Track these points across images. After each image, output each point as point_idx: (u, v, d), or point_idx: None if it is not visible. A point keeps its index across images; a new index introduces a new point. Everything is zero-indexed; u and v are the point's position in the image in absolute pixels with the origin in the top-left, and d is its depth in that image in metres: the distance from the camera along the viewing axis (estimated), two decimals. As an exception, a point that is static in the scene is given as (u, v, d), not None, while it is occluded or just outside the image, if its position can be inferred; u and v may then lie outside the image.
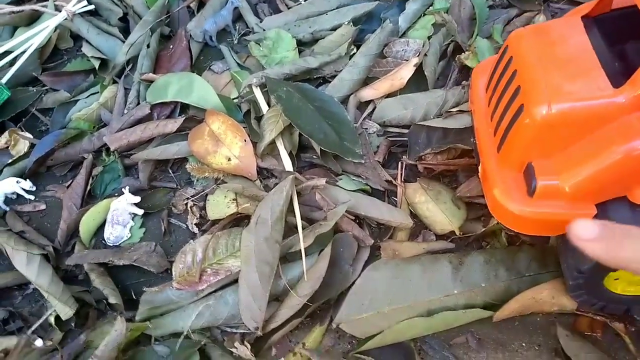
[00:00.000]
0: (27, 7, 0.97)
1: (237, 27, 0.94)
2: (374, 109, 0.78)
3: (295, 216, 0.65)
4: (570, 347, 0.56)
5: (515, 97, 0.48)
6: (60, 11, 0.94)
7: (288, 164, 0.72)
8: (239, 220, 0.71)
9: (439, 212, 0.66)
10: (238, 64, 0.88)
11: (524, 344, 0.59)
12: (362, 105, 0.80)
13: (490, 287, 0.60)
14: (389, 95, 0.79)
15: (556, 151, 0.47)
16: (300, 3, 0.94)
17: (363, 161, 0.71)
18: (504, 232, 0.65)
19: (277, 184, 0.70)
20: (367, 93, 0.79)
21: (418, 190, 0.68)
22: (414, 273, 0.62)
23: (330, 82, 0.81)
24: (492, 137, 0.53)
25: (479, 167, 0.55)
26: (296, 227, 0.64)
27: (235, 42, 0.92)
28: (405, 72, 0.75)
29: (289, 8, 0.94)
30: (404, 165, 0.72)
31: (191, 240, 0.67)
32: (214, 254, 0.66)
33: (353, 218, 0.67)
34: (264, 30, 0.90)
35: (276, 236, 0.63)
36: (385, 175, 0.70)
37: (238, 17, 0.95)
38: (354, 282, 0.62)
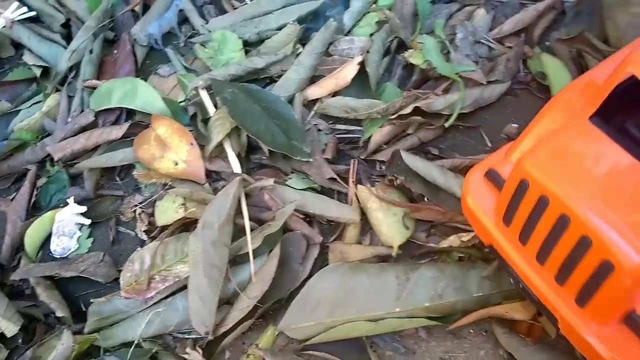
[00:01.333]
0: (-37, 16, 0.93)
1: (183, 30, 0.93)
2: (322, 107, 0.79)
3: (244, 218, 0.65)
4: (510, 343, 0.57)
5: (585, 250, 0.41)
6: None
7: (236, 166, 0.72)
8: (189, 225, 0.70)
9: (385, 224, 0.65)
10: (184, 66, 0.87)
11: (471, 330, 0.60)
12: (310, 104, 0.80)
13: (434, 307, 0.58)
14: (335, 94, 0.79)
15: None
16: (246, 3, 0.93)
17: (311, 160, 0.71)
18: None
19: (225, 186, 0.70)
20: (313, 92, 0.79)
21: (372, 195, 0.67)
22: (358, 286, 0.60)
23: (277, 81, 0.81)
24: (555, 285, 0.46)
25: (558, 324, 0.47)
26: (246, 229, 0.64)
27: (182, 44, 0.91)
28: (349, 71, 0.76)
29: (234, 9, 0.94)
30: (356, 164, 0.72)
31: (139, 248, 0.66)
32: (162, 260, 0.65)
33: (303, 217, 0.67)
34: (210, 31, 0.89)
35: (224, 239, 0.63)
36: (331, 173, 0.71)
37: (184, 19, 0.94)
38: (303, 283, 0.62)
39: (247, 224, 0.64)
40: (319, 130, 0.77)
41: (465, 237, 0.62)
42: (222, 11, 0.94)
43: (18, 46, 0.96)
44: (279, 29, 0.87)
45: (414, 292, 0.59)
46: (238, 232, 0.65)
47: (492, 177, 0.52)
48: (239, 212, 0.66)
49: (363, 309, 0.59)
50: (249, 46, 0.87)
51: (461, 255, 0.63)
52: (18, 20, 0.93)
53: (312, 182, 0.71)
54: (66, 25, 0.95)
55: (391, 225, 0.64)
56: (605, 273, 0.40)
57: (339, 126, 0.77)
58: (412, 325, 0.58)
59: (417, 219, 0.65)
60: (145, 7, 0.96)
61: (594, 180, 0.43)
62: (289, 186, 0.71)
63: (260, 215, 0.68)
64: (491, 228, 0.51)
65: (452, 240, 0.62)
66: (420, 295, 0.58)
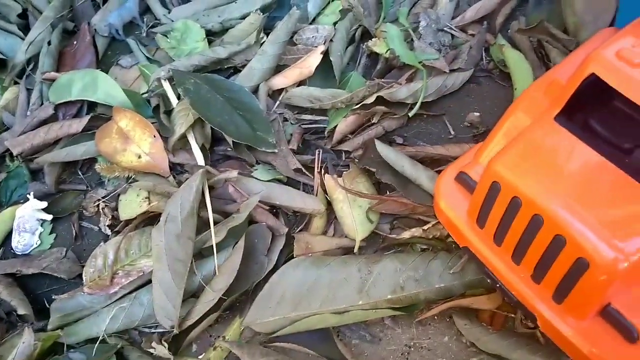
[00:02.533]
0: None
1: (145, 20, 0.91)
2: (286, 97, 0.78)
3: (207, 211, 0.65)
4: (471, 333, 0.58)
5: (560, 249, 0.42)
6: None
7: (200, 158, 0.71)
8: (153, 219, 0.69)
9: (350, 216, 0.65)
10: (147, 57, 0.85)
11: (435, 317, 0.61)
12: (275, 94, 0.80)
13: (396, 299, 0.58)
14: (300, 83, 0.79)
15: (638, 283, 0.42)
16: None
17: (276, 150, 0.71)
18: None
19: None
20: (277, 81, 0.79)
21: (338, 187, 0.67)
22: (322, 279, 0.60)
23: (241, 71, 0.80)
24: (532, 283, 0.46)
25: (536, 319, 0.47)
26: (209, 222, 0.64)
27: (144, 34, 0.89)
28: (313, 60, 0.76)
29: (197, -2, 0.92)
30: (320, 154, 0.72)
31: (102, 243, 0.65)
32: (126, 255, 0.65)
33: (268, 208, 0.67)
34: (172, 21, 0.87)
35: (188, 233, 0.62)
36: (297, 163, 0.71)
37: (146, 8, 0.92)
38: (269, 274, 0.62)
39: (211, 216, 0.64)
40: (285, 120, 0.76)
41: (427, 228, 0.62)
42: (185, 0, 0.93)
43: (-27, 37, 0.92)
44: (243, 18, 0.86)
45: (376, 285, 0.59)
46: (203, 225, 0.65)
47: (463, 179, 0.53)
48: (203, 205, 0.66)
49: (327, 303, 0.59)
50: (212, 36, 0.86)
51: (424, 247, 0.64)
52: (-28, 11, 0.90)
53: (278, 173, 0.71)
54: (23, 15, 0.92)
55: (355, 218, 0.65)
56: (581, 270, 0.41)
57: (304, 116, 0.77)
58: (376, 316, 0.59)
59: (381, 212, 0.66)
60: (105, -3, 0.94)
61: (564, 180, 0.43)
62: (254, 177, 0.70)
63: (225, 207, 0.68)
64: (465, 230, 0.51)
65: (415, 232, 0.62)
66: (382, 288, 0.59)
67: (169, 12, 0.89)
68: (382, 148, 0.67)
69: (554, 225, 0.42)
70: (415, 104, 0.73)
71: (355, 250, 0.64)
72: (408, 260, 0.60)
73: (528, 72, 0.73)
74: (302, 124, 0.76)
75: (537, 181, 0.44)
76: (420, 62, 0.74)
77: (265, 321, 0.60)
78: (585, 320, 0.44)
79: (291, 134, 0.75)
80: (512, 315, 0.59)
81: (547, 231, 0.42)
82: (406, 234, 0.63)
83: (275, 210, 0.69)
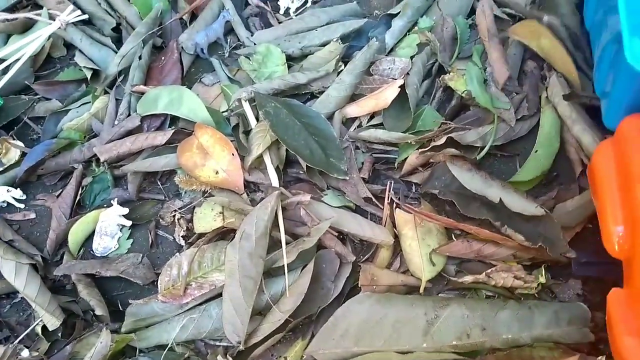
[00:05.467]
0: (21, 15, 0.97)
1: (229, 40, 0.95)
2: (359, 126, 0.80)
3: (279, 231, 0.67)
4: None
5: None
6: (54, 20, 0.95)
7: (274, 179, 0.74)
8: (225, 234, 0.72)
9: (418, 255, 0.66)
10: (228, 77, 0.89)
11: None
12: (348, 122, 0.82)
13: (461, 345, 0.59)
14: (374, 114, 0.81)
15: None
16: (292, 18, 0.95)
17: (347, 177, 0.73)
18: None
19: (263, 198, 0.72)
20: (352, 110, 0.81)
21: (409, 222, 0.68)
22: (387, 319, 0.61)
23: (317, 98, 0.83)
24: None
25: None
26: (280, 242, 0.66)
27: (226, 55, 0.94)
28: (390, 93, 0.77)
29: (279, 23, 0.96)
30: (391, 185, 0.73)
31: (177, 253, 0.68)
32: (199, 267, 0.68)
33: (336, 234, 0.69)
34: (255, 44, 0.91)
35: (260, 251, 0.65)
36: (367, 192, 0.72)
37: (230, 30, 0.96)
38: (334, 301, 0.64)
39: (283, 238, 0.66)
40: (356, 148, 0.78)
41: (490, 271, 0.62)
42: (267, 25, 0.96)
43: (70, 47, 0.99)
44: (322, 45, 0.88)
45: (442, 330, 0.59)
46: (273, 245, 0.67)
47: None
48: (275, 225, 0.68)
49: (391, 342, 0.60)
50: (291, 61, 0.89)
51: (489, 293, 0.64)
52: (72, 22, 0.96)
53: (348, 200, 0.73)
54: (116, 29, 0.98)
55: (423, 257, 0.66)
56: None
57: (375, 146, 0.78)
58: (439, 359, 0.59)
59: (447, 255, 0.66)
60: (193, 17, 0.98)
61: None
62: (324, 202, 0.72)
63: (295, 229, 0.70)
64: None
65: (479, 277, 0.62)
66: (448, 333, 0.59)
67: (252, 35, 0.93)
68: (453, 167, 0.68)
69: None
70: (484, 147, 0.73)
71: (421, 290, 0.64)
72: (476, 307, 0.60)
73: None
74: (373, 154, 0.77)
75: None
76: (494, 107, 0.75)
77: (328, 352, 0.61)
78: None
79: (362, 162, 0.76)
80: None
81: None
82: (469, 278, 0.63)
83: (342, 236, 0.70)
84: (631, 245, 0.47)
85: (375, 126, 0.79)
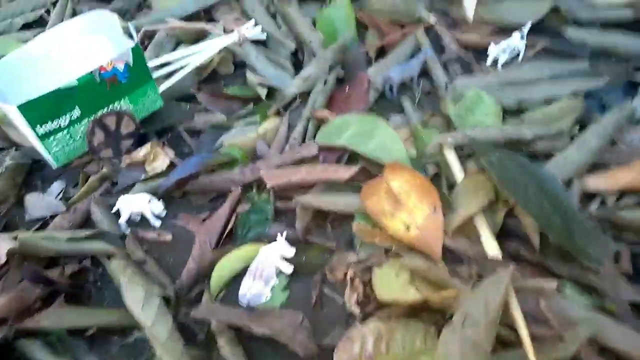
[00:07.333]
0: (198, 26, 0.90)
1: (421, 82, 0.81)
2: (601, 203, 0.60)
3: (515, 322, 0.47)
4: None
5: None
6: (232, 32, 0.86)
7: (493, 250, 0.55)
8: (411, 311, 0.53)
9: None
10: (421, 120, 0.74)
11: None
12: (582, 196, 0.62)
13: None
14: (623, 192, 0.61)
15: None
16: (497, 69, 0.80)
17: (600, 269, 0.52)
18: None
19: (470, 273, 0.53)
20: (595, 182, 0.61)
21: None
22: None
23: (538, 158, 0.65)
24: None
25: None
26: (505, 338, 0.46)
27: (417, 97, 0.79)
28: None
29: (482, 71, 0.81)
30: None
31: (359, 325, 0.50)
32: (387, 349, 0.48)
33: (596, 348, 0.47)
34: (457, 89, 0.76)
35: (486, 344, 0.45)
36: (631, 294, 0.51)
37: (422, 71, 0.83)
38: None
39: (524, 331, 0.46)
40: (603, 232, 0.58)
41: None
42: (467, 71, 0.82)
43: (237, 66, 0.89)
44: (547, 100, 0.72)
45: None
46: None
47: None
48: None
49: None
50: (503, 112, 0.73)
51: None
52: (248, 40, 0.87)
53: (601, 300, 0.51)
54: (293, 54, 0.88)
55: None
56: None
57: (627, 235, 0.58)
58: None
59: None
60: (380, 53, 0.86)
61: None
62: (567, 296, 0.51)
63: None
64: None
65: None
66: None
67: (451, 81, 0.78)
68: None
69: None
70: None
71: None
72: None
73: None
74: (629, 243, 0.56)
75: None
76: None
77: None
78: None
79: (617, 252, 0.55)
80: None
81: None
82: None
83: (598, 349, 0.48)
84: None
85: (633, 207, 0.58)
